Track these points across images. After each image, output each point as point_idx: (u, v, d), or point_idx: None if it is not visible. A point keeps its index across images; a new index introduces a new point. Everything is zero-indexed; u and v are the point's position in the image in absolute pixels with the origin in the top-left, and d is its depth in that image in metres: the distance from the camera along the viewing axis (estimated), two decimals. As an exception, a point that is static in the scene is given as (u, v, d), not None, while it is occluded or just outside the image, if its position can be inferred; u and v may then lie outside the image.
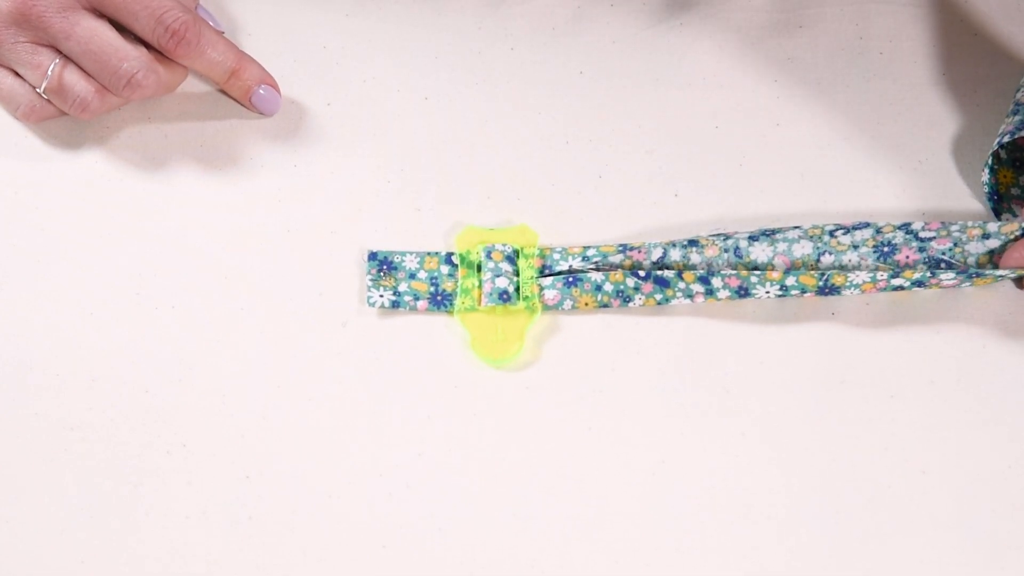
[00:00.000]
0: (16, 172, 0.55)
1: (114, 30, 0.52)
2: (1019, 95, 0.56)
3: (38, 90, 0.53)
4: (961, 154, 0.57)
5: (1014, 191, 0.56)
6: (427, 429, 0.50)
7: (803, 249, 0.53)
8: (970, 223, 0.52)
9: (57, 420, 0.49)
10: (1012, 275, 0.52)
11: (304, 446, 0.49)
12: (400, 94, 0.58)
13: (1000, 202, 0.55)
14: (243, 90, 0.56)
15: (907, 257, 0.53)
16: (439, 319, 0.52)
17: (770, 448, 0.50)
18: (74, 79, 0.52)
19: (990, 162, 0.55)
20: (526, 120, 0.57)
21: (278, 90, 0.56)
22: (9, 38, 0.52)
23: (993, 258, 0.53)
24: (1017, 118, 0.54)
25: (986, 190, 0.55)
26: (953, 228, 0.53)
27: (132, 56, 0.52)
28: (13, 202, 0.54)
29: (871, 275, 0.51)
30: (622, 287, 0.52)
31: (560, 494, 0.49)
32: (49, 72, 0.52)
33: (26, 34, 0.52)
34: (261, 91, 0.56)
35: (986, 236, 0.53)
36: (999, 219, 0.55)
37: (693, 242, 0.53)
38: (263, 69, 0.56)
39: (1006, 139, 0.54)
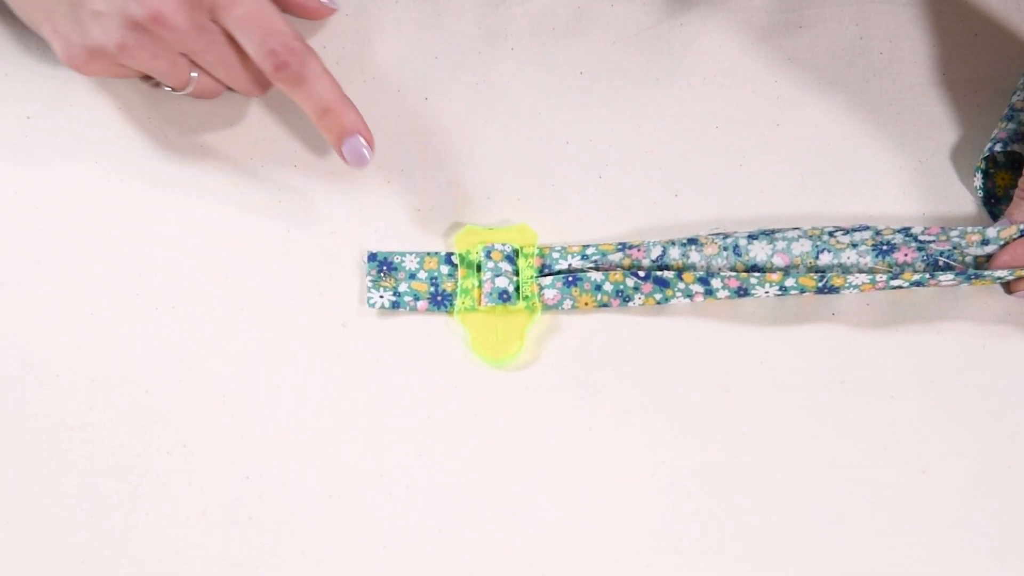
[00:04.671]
0: (16, 172, 0.55)
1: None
2: (1015, 99, 0.55)
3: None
4: (961, 155, 0.57)
5: (1013, 193, 0.55)
6: (427, 429, 0.50)
7: (802, 247, 0.53)
8: (969, 229, 0.52)
9: (57, 420, 0.49)
10: (1010, 276, 0.52)
11: (304, 446, 0.49)
12: (400, 94, 0.58)
13: (997, 204, 0.55)
14: (337, 130, 0.53)
15: (905, 255, 0.53)
16: (439, 319, 0.52)
17: (770, 448, 0.50)
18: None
19: (983, 167, 0.54)
20: (526, 120, 0.57)
21: (372, 144, 0.53)
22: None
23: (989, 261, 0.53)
24: (1011, 125, 0.54)
25: (980, 194, 0.55)
26: (953, 234, 0.52)
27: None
28: (13, 202, 0.54)
29: (870, 277, 0.51)
30: (622, 287, 0.52)
31: (560, 494, 0.49)
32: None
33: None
34: (354, 140, 0.53)
35: (985, 242, 0.52)
36: (995, 220, 0.55)
37: (692, 240, 0.53)
38: (361, 118, 0.53)
39: (998, 147, 0.54)
